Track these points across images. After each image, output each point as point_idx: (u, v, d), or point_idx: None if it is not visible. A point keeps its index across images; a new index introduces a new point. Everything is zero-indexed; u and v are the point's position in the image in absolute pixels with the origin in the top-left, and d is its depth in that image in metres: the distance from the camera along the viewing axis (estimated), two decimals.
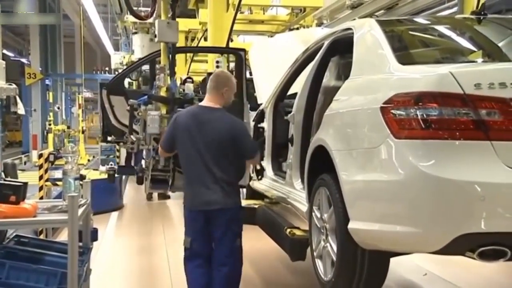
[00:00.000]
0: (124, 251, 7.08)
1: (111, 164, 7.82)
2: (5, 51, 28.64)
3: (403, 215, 2.80)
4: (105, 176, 10.09)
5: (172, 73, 5.67)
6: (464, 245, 2.66)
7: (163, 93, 5.49)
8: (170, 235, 7.77)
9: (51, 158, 7.89)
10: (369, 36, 3.61)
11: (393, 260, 6.29)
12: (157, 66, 5.74)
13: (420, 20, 5.04)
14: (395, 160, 2.80)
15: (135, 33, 15.94)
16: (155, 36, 5.73)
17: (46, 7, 22.48)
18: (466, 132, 2.64)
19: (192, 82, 6.04)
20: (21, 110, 11.82)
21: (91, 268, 3.91)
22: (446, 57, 3.61)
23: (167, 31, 5.59)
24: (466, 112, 2.63)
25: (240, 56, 6.11)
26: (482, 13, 3.85)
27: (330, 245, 3.48)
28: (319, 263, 3.70)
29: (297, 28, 11.36)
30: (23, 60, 30.38)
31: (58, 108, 23.40)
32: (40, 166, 7.70)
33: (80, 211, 3.26)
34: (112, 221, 8.99)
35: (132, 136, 5.55)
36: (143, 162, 5.73)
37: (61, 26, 25.05)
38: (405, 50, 3.55)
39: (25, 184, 3.24)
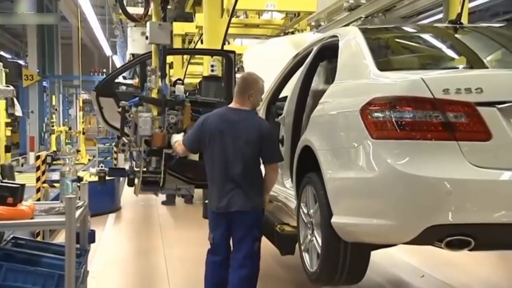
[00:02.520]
0: (122, 253, 7.07)
1: (102, 166, 7.79)
2: (2, 53, 28.62)
3: (380, 209, 3.02)
4: (91, 178, 10.13)
5: (163, 75, 5.66)
6: (433, 235, 2.89)
7: (154, 94, 5.48)
8: (167, 237, 7.77)
9: (49, 159, 7.85)
10: (352, 43, 3.82)
11: (390, 262, 6.32)
12: (148, 67, 5.71)
13: (403, 28, 5.29)
14: (372, 159, 3.02)
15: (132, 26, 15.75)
16: (147, 38, 5.70)
17: (43, 9, 22.45)
18: (435, 133, 2.86)
19: (183, 83, 6.01)
20: (18, 111, 11.82)
21: (88, 270, 3.90)
22: (424, 64, 3.83)
23: (159, 33, 5.56)
24: (436, 115, 2.86)
25: (229, 58, 6.12)
26: (458, 22, 4.15)
27: (316, 239, 3.68)
28: (306, 256, 3.90)
29: (292, 32, 11.54)
30: (21, 61, 30.32)
31: (56, 109, 23.37)
32: (38, 168, 7.68)
33: (78, 213, 3.26)
34: (109, 223, 8.97)
35: (123, 138, 5.53)
36: (133, 163, 5.70)
37: (59, 27, 25.01)
38: (384, 57, 3.83)
39: (23, 186, 3.23)
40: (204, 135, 4.24)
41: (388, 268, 6.17)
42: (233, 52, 6.24)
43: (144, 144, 5.35)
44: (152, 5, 6.07)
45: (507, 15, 15.88)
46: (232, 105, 4.33)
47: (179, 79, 6.23)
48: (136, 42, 14.78)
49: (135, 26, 14.73)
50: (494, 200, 2.80)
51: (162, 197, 10.50)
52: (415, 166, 2.83)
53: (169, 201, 10.52)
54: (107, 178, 6.58)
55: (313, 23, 12.98)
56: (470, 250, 2.96)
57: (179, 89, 5.63)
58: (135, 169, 5.57)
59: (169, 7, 6.08)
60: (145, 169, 5.48)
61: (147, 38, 5.68)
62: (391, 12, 11.31)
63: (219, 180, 4.17)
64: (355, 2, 11.09)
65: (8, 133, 10.29)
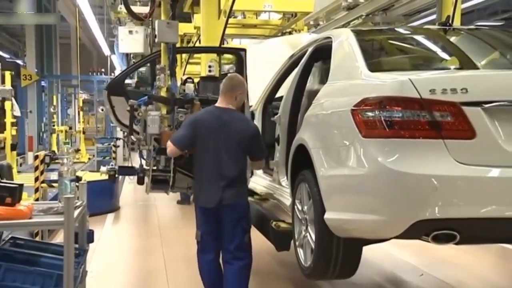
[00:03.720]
0: (120, 252, 7.07)
1: (112, 165, 7.82)
2: (0, 53, 28.58)
3: (370, 205, 3.13)
4: (102, 177, 10.15)
5: (173, 73, 5.67)
6: (420, 229, 2.99)
7: (163, 93, 5.51)
8: (166, 236, 7.78)
9: (47, 159, 7.84)
10: (345, 45, 3.95)
11: (389, 261, 6.32)
12: (157, 66, 5.72)
13: (394, 30, 5.50)
14: (363, 156, 3.13)
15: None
16: (155, 37, 5.71)
17: (42, 9, 22.39)
18: (422, 131, 2.97)
19: (193, 82, 6.02)
20: (16, 111, 11.81)
21: (87, 270, 3.90)
22: (413, 65, 3.95)
23: (167, 32, 5.59)
24: (423, 114, 2.96)
25: (240, 56, 6.02)
26: (448, 24, 4.34)
27: (310, 235, 3.80)
28: (300, 251, 4.03)
29: (290, 32, 11.64)
30: (19, 61, 30.28)
31: (54, 109, 23.34)
32: (36, 168, 7.67)
33: (76, 212, 3.25)
34: (108, 222, 8.97)
35: (132, 137, 5.56)
36: (143, 162, 5.70)
37: (57, 27, 24.96)
38: (375, 58, 3.95)
39: (21, 185, 3.23)
40: (197, 134, 4.33)
41: (387, 267, 6.19)
42: (244, 50, 6.15)
43: (154, 142, 5.37)
44: (162, 3, 6.05)
45: (505, 13, 15.88)
46: (219, 104, 4.44)
47: (190, 78, 6.25)
48: (124, 42, 14.74)
49: (123, 24, 14.65)
50: (478, 196, 2.91)
51: (170, 197, 10.63)
52: (404, 163, 2.94)
53: (184, 201, 10.53)
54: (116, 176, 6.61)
55: (311, 22, 13.01)
56: (456, 244, 3.06)
57: (189, 88, 5.67)
58: (145, 167, 5.58)
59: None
60: (155, 168, 5.50)
61: (155, 36, 5.70)
62: (390, 11, 11.33)
63: (211, 177, 4.29)
64: (353, 1, 11.12)
65: (14, 132, 10.62)
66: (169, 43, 5.71)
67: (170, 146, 4.45)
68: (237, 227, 4.32)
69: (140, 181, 5.69)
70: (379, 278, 5.82)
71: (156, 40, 5.70)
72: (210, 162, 4.30)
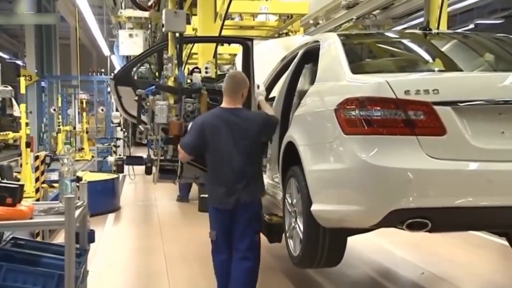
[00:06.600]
0: (121, 252, 7.07)
1: (120, 155, 7.80)
2: (0, 53, 28.59)
3: (351, 196, 3.39)
4: (103, 177, 10.17)
5: (180, 63, 5.66)
6: (396, 218, 3.22)
7: (170, 83, 5.52)
8: (167, 236, 7.78)
9: (47, 160, 7.84)
10: (331, 49, 4.21)
11: (390, 260, 6.33)
12: (164, 56, 5.69)
13: (378, 34, 5.79)
14: (344, 152, 3.40)
15: (131, 28, 15.79)
16: (162, 26, 5.69)
17: (41, 10, 22.38)
18: (398, 129, 3.22)
19: (200, 72, 5.99)
20: (17, 112, 11.84)
21: (88, 270, 3.91)
22: (393, 67, 4.15)
23: (174, 21, 5.59)
24: (399, 113, 3.22)
25: (247, 46, 5.78)
26: (427, 29, 4.61)
27: (298, 226, 4.06)
28: (290, 242, 4.28)
29: (286, 33, 11.84)
30: (19, 62, 30.28)
31: (54, 110, 23.34)
32: (36, 168, 7.67)
33: (77, 213, 3.26)
34: (109, 222, 8.97)
35: (140, 127, 5.56)
36: (151, 152, 5.70)
37: (57, 27, 24.96)
38: (358, 61, 4.23)
39: (22, 186, 3.23)
40: (205, 139, 4.33)
41: (388, 265, 6.20)
42: (251, 39, 6.05)
43: (162, 132, 5.37)
44: None
45: (505, 12, 15.89)
46: (225, 105, 4.42)
47: (197, 67, 6.24)
48: (124, 44, 14.92)
49: (123, 28, 14.76)
50: (448, 187, 3.17)
51: (170, 196, 10.78)
52: (381, 158, 3.19)
53: (183, 199, 10.59)
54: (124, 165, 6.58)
55: (311, 21, 13.04)
56: (428, 231, 3.28)
57: (196, 77, 5.66)
58: (153, 157, 5.58)
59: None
60: (162, 158, 5.49)
61: (163, 26, 5.70)
62: (389, 10, 11.33)
63: (222, 179, 4.31)
64: (353, 0, 11.14)
65: (28, 132, 10.95)
66: (176, 32, 5.69)
67: (181, 152, 4.51)
68: (249, 228, 4.35)
69: (148, 171, 5.70)
70: (380, 277, 5.83)
71: (164, 29, 5.70)
72: (225, 165, 4.30)
